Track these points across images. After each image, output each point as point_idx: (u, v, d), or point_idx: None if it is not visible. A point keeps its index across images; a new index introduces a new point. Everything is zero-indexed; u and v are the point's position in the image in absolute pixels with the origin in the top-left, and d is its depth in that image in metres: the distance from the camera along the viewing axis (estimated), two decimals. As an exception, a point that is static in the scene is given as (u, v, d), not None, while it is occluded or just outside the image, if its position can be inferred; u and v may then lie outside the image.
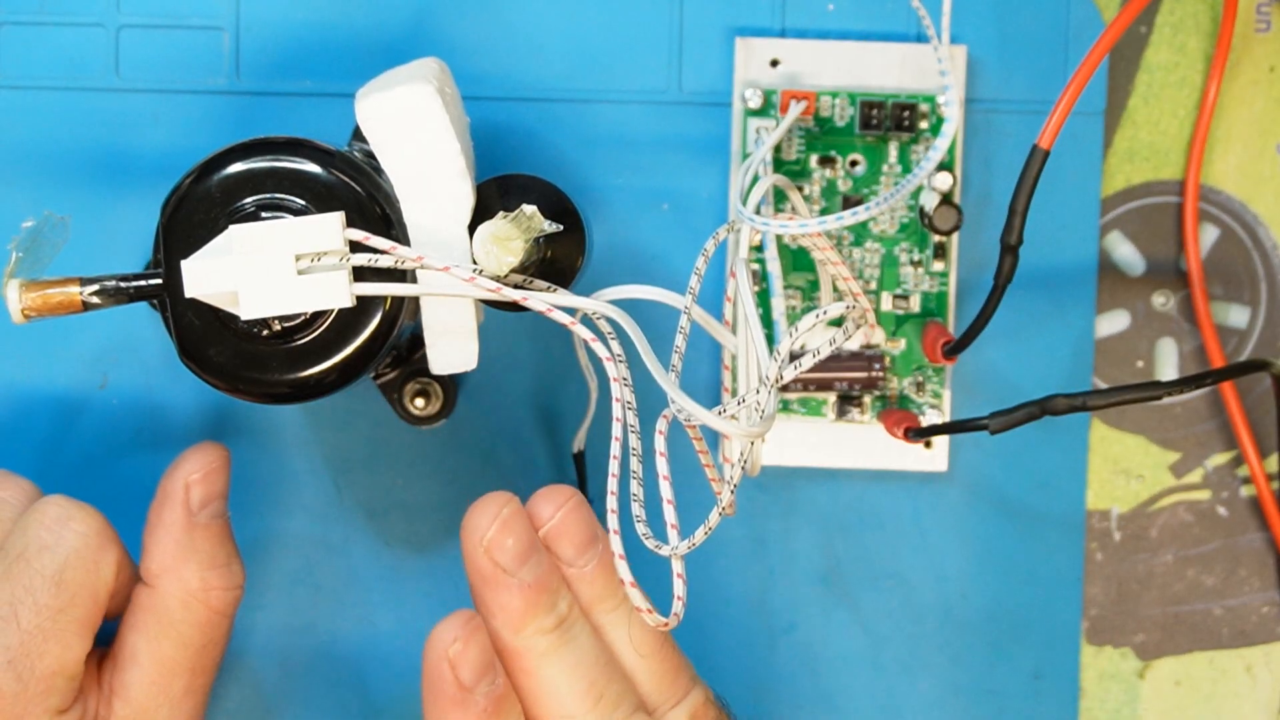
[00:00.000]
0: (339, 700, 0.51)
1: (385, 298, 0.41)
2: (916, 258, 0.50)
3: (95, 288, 0.41)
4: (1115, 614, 0.52)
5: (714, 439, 0.50)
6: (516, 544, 0.42)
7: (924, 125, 0.50)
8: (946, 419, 0.50)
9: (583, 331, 0.41)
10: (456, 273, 0.40)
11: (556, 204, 0.44)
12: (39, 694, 0.41)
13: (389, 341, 0.42)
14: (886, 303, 0.50)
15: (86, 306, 0.41)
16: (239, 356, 0.41)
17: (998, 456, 0.51)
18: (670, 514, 0.40)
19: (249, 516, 0.51)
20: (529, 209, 0.41)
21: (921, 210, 0.50)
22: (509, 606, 0.42)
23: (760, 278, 0.50)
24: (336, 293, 0.40)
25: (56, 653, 0.41)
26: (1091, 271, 0.51)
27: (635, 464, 0.41)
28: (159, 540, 0.45)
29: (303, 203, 0.41)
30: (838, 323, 0.48)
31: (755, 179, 0.47)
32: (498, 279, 0.41)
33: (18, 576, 0.42)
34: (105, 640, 0.44)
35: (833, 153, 0.50)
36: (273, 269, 0.40)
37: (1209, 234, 0.52)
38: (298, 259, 0.40)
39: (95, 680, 0.44)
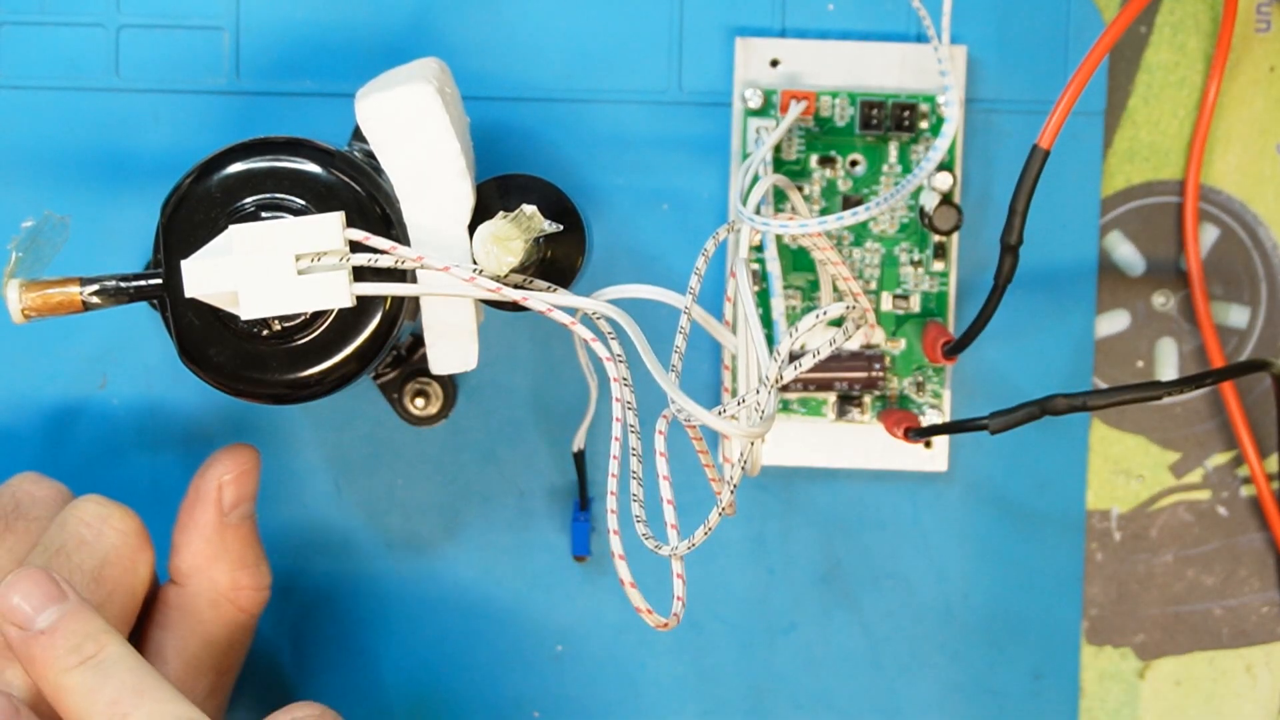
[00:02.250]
0: (338, 701, 0.51)
1: (385, 298, 0.41)
2: (916, 258, 0.50)
3: (95, 288, 0.41)
4: (1115, 614, 0.52)
5: (714, 439, 0.50)
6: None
7: (924, 125, 0.50)
8: (946, 419, 0.50)
9: (583, 331, 0.41)
10: (456, 273, 0.40)
11: (556, 204, 0.44)
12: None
13: (389, 341, 0.42)
14: (886, 303, 0.50)
15: (86, 306, 0.41)
16: (239, 356, 0.41)
17: (998, 456, 0.51)
18: (670, 514, 0.40)
19: (249, 516, 0.51)
20: (529, 209, 0.41)
21: (921, 210, 0.50)
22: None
23: (760, 278, 0.50)
24: (336, 293, 0.40)
25: None
26: (1091, 271, 0.51)
27: (635, 464, 0.41)
28: (190, 540, 0.45)
29: (303, 203, 0.41)
30: (838, 323, 0.48)
31: (755, 179, 0.47)
32: (498, 279, 0.41)
33: (57, 570, 0.42)
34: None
35: (833, 153, 0.50)
36: (273, 269, 0.40)
37: (1209, 234, 0.52)
38: (298, 259, 0.40)
39: None
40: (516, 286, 0.42)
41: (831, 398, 0.50)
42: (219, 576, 0.45)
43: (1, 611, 0.40)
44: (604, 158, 0.50)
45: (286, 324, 0.41)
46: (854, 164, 0.50)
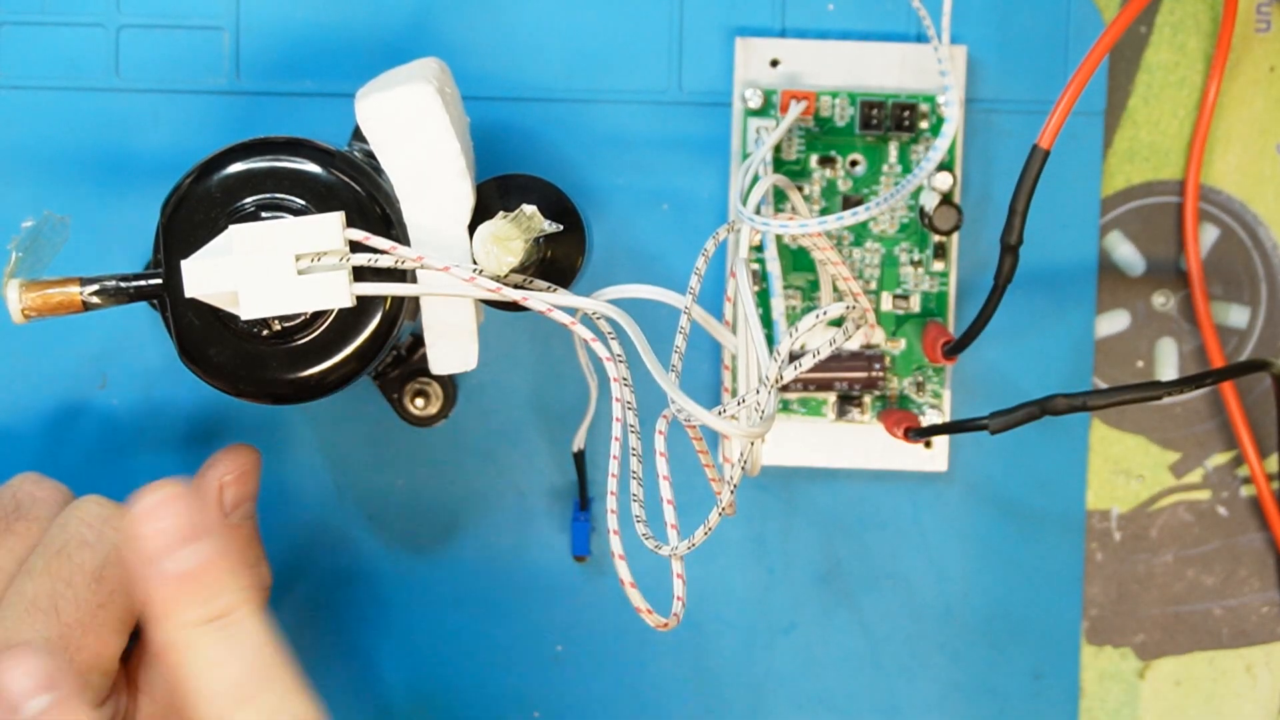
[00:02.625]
0: (338, 700, 0.51)
1: (385, 298, 0.41)
2: (916, 258, 0.50)
3: (95, 288, 0.41)
4: (1115, 614, 0.52)
5: (714, 439, 0.50)
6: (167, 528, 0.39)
7: (924, 125, 0.50)
8: (946, 419, 0.50)
9: (583, 331, 0.41)
10: (456, 273, 0.40)
11: (556, 204, 0.44)
12: (76, 687, 0.41)
13: (389, 341, 0.42)
14: (886, 303, 0.50)
15: (86, 306, 0.41)
16: (239, 356, 0.41)
17: (998, 456, 0.51)
18: (670, 514, 0.40)
19: (249, 516, 0.51)
20: (529, 209, 0.41)
21: (921, 210, 0.50)
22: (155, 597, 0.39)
23: (760, 278, 0.50)
24: (336, 293, 0.40)
25: (95, 647, 0.42)
26: (1091, 271, 0.51)
27: (635, 464, 0.41)
28: None
29: (303, 203, 0.41)
30: (838, 323, 0.48)
31: (755, 179, 0.47)
32: (498, 279, 0.41)
33: (58, 571, 0.42)
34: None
35: (833, 153, 0.50)
36: (273, 269, 0.40)
37: (1209, 234, 0.52)
38: (298, 259, 0.40)
39: (123, 676, 0.44)
40: (516, 286, 0.42)
41: (831, 398, 0.50)
42: None
43: (136, 536, 0.38)
44: (604, 158, 0.50)
45: (286, 324, 0.41)
46: (854, 164, 0.50)
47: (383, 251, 0.40)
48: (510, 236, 0.41)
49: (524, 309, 0.41)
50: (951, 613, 0.51)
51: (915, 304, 0.50)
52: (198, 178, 0.41)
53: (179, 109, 0.50)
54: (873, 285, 0.50)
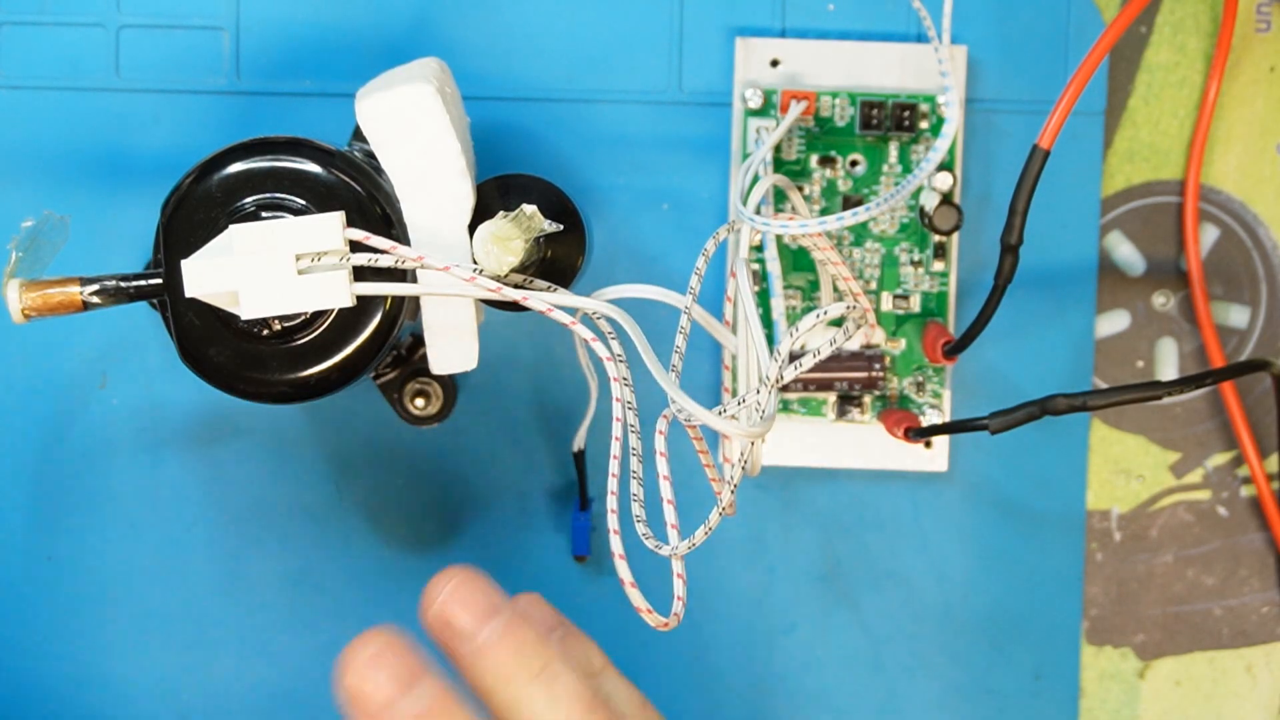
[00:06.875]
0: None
1: (385, 298, 0.41)
2: (916, 258, 0.50)
3: (95, 288, 0.41)
4: (1115, 614, 0.52)
5: (714, 439, 0.50)
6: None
7: (924, 125, 0.50)
8: (946, 419, 0.50)
9: (583, 331, 0.41)
10: (456, 273, 0.40)
11: (556, 204, 0.44)
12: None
13: (389, 341, 0.42)
14: (886, 303, 0.50)
15: (86, 306, 0.41)
16: (239, 356, 0.41)
17: (998, 456, 0.51)
18: (670, 514, 0.40)
19: (249, 517, 0.51)
20: (529, 209, 0.41)
21: (921, 210, 0.50)
22: None
23: (760, 278, 0.50)
24: (336, 292, 0.40)
25: None
26: (1091, 271, 0.51)
27: (635, 464, 0.41)
28: None
29: (303, 202, 0.41)
30: (838, 323, 0.48)
31: (755, 179, 0.47)
32: (498, 279, 0.41)
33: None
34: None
35: (833, 153, 0.50)
36: (273, 269, 0.40)
37: (1209, 234, 0.52)
38: (298, 259, 0.40)
39: None
40: (516, 286, 0.42)
41: (831, 398, 0.50)
42: None
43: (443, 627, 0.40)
44: (604, 158, 0.50)
45: (286, 324, 0.41)
46: (854, 164, 0.50)
47: (383, 251, 0.40)
48: (510, 236, 0.41)
49: (524, 309, 0.41)
50: (951, 613, 0.51)
51: (915, 304, 0.50)
52: (198, 178, 0.41)
53: (179, 109, 0.50)
54: (873, 285, 0.50)
